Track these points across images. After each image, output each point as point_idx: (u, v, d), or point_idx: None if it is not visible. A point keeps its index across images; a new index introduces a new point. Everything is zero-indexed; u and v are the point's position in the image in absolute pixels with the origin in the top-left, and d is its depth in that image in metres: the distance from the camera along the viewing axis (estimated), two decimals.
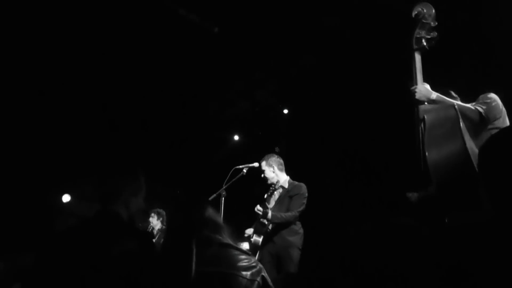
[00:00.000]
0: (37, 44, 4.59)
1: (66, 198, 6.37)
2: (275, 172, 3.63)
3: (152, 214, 4.74)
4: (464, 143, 1.85)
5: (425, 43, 2.24)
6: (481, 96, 2.30)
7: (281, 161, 3.72)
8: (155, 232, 4.63)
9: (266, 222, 3.39)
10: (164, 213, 4.74)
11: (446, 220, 1.68)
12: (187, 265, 1.44)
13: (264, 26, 4.78)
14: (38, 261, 1.53)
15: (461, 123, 1.96)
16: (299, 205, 3.42)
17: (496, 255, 0.91)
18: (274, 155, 3.76)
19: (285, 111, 6.31)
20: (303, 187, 3.54)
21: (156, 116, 6.20)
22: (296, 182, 3.62)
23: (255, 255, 3.34)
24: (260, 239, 3.40)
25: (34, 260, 1.54)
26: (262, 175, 3.63)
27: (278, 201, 3.54)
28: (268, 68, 5.59)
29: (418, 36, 2.24)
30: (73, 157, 5.63)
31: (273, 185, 3.50)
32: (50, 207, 5.93)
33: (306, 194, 3.49)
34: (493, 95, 2.27)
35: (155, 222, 4.70)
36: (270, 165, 3.64)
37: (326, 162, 5.59)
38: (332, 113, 5.72)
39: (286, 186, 3.60)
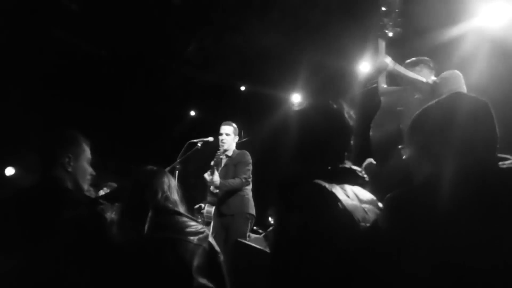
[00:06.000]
0: None
1: (9, 171, 6.06)
2: (234, 141, 3.64)
3: (104, 188, 4.63)
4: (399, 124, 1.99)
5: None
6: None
7: None
8: None
9: (217, 191, 3.41)
10: (115, 185, 4.64)
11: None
12: (140, 231, 1.45)
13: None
14: None
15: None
16: (244, 172, 3.45)
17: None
18: None
19: (242, 88, 6.31)
20: (246, 154, 3.56)
21: (111, 91, 5.98)
22: (239, 151, 3.64)
23: (208, 226, 3.38)
24: (212, 209, 3.44)
25: None
26: (222, 138, 3.55)
27: (223, 170, 3.56)
28: (226, 43, 5.53)
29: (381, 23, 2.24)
30: (16, 129, 5.32)
31: (218, 152, 3.51)
32: None
33: (250, 161, 3.52)
34: (453, 72, 2.25)
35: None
36: (235, 134, 3.64)
37: (282, 138, 5.69)
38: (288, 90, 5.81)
39: (230, 154, 3.61)
